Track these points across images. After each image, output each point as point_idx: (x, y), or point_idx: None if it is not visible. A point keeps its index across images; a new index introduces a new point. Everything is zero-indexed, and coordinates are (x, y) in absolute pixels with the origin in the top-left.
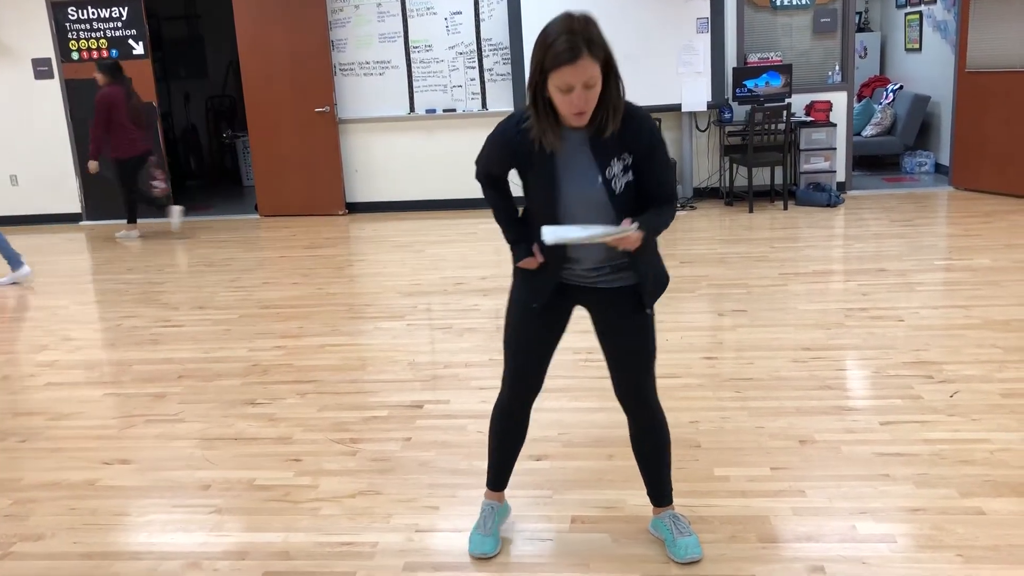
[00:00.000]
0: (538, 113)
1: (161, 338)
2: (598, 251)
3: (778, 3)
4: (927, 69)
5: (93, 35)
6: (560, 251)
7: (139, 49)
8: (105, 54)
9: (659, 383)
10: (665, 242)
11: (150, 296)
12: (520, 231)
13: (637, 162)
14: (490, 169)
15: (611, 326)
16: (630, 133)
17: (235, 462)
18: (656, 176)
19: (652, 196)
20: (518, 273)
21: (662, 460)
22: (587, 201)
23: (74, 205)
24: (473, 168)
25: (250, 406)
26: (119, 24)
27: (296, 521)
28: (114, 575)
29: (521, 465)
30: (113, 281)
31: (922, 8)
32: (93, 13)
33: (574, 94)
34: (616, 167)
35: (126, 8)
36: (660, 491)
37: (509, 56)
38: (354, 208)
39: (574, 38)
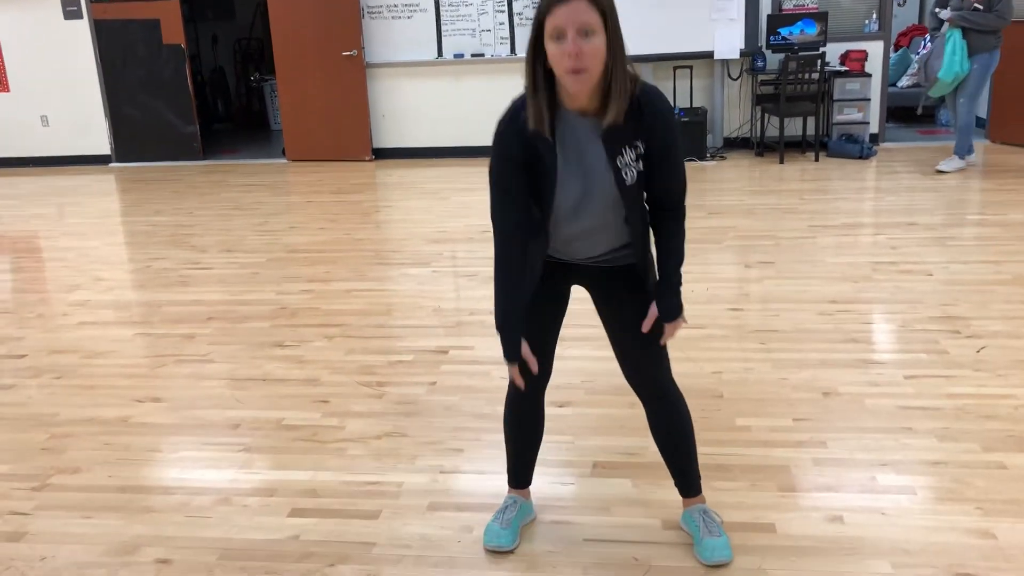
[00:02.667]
0: (535, 85)
1: (190, 280)
2: (592, 246)
3: None
4: None
5: None
6: (546, 247)
7: None
8: None
9: (684, 333)
10: (693, 193)
11: (179, 238)
12: (518, 318)
13: (648, 156)
14: (508, 186)
15: (614, 303)
16: (646, 122)
17: (264, 402)
18: (665, 179)
19: (655, 201)
20: None
21: (686, 448)
22: (594, 195)
23: (103, 147)
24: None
25: (278, 348)
26: None
27: (323, 461)
28: (147, 507)
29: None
30: (142, 223)
31: None
32: None
33: (568, 43)
34: (628, 156)
35: None
36: (687, 481)
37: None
38: (380, 154)
39: None
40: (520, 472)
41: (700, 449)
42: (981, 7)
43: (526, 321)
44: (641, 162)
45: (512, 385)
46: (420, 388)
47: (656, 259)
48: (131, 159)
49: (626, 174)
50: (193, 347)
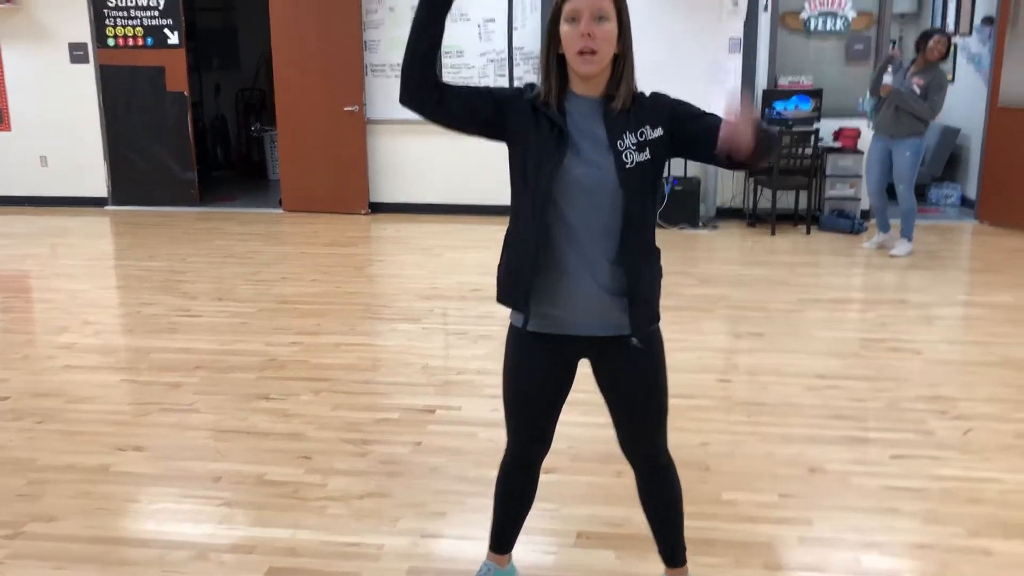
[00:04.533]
0: (548, 69)
1: (179, 327)
2: (586, 290)
3: (812, 27)
4: (959, 101)
5: (130, 23)
6: (528, 286)
7: (174, 39)
8: (141, 42)
9: (672, 403)
10: (685, 261)
11: (170, 284)
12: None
13: (676, 125)
14: (482, 91)
15: (614, 375)
16: (651, 109)
17: (246, 456)
18: (705, 119)
19: (710, 145)
20: (510, 330)
21: (675, 518)
22: (593, 176)
23: (101, 190)
24: (496, 181)
25: (264, 400)
26: (156, 13)
27: (304, 518)
28: (122, 560)
29: None
30: (135, 267)
31: (957, 39)
32: (131, 1)
33: (582, 24)
34: (629, 140)
35: None
36: (673, 552)
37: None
38: (377, 208)
39: None
40: (506, 537)
41: (685, 522)
42: (918, 91)
43: (525, 391)
44: (647, 151)
45: (508, 452)
46: (405, 448)
47: None
48: (128, 203)
49: (627, 156)
50: (178, 396)
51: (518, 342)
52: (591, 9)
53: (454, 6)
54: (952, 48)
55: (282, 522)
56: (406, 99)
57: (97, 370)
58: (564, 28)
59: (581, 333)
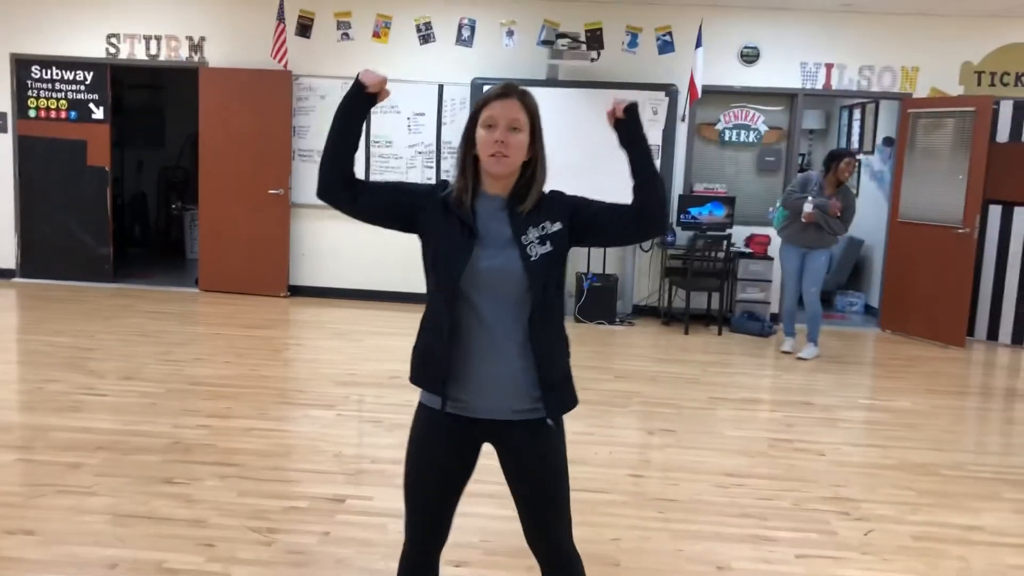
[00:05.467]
0: (464, 168)
1: (83, 406)
2: (495, 380)
3: (727, 138)
4: (863, 214)
5: (54, 95)
6: (445, 368)
7: (99, 114)
8: (64, 115)
9: (585, 497)
10: (600, 356)
11: (77, 361)
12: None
13: (575, 217)
14: (393, 185)
15: (520, 465)
16: (549, 205)
17: (146, 542)
18: (604, 205)
19: (622, 212)
20: (419, 410)
21: None
22: (500, 269)
23: (8, 261)
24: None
25: (167, 484)
26: (82, 87)
27: None
28: None
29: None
30: (40, 342)
31: (861, 157)
32: (57, 74)
33: (496, 132)
34: (533, 235)
35: (91, 73)
36: None
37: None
38: (296, 291)
39: (509, 85)
40: None
41: None
42: (839, 215)
43: (426, 476)
44: (549, 244)
45: (408, 543)
46: (312, 538)
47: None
48: (38, 275)
49: (530, 250)
50: (77, 477)
51: (427, 423)
52: (506, 119)
53: (385, 100)
54: (857, 165)
55: None
56: (322, 194)
57: None
58: (480, 132)
59: (491, 416)
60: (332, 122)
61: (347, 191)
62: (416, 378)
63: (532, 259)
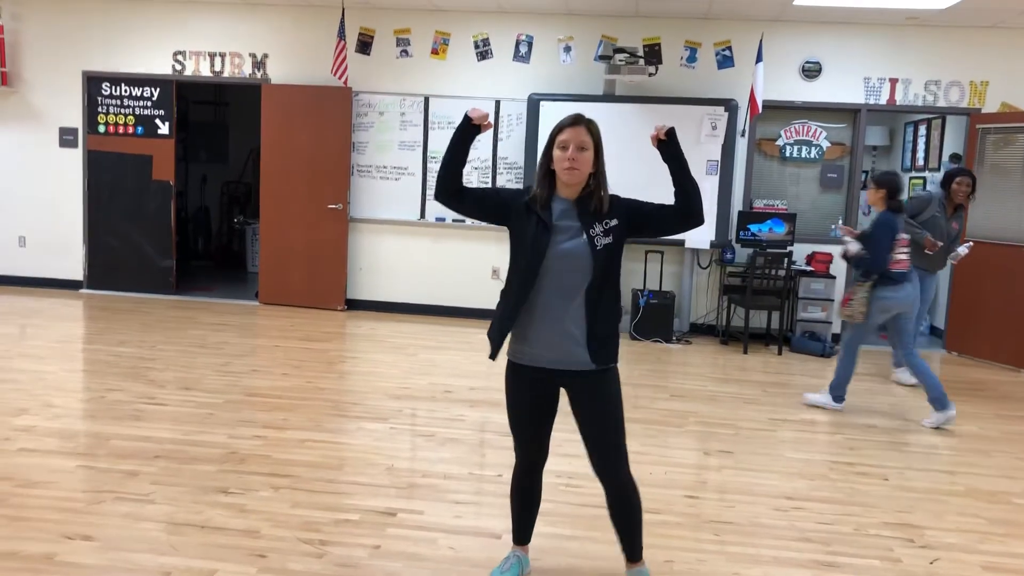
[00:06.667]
0: (543, 178)
1: (143, 415)
2: (562, 333)
3: (787, 154)
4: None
5: (122, 111)
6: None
7: (164, 129)
8: (131, 130)
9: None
10: (657, 374)
11: (138, 371)
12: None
13: (629, 215)
14: (490, 192)
15: (584, 408)
16: (611, 206)
17: (199, 551)
18: (655, 205)
19: (669, 210)
20: (508, 366)
21: (634, 523)
22: (571, 255)
23: (77, 272)
24: (490, 282)
25: (222, 494)
26: (149, 103)
27: None
28: None
29: None
30: (104, 352)
31: (926, 173)
32: (126, 91)
33: (569, 151)
34: (598, 229)
35: (158, 89)
36: (632, 549)
37: (523, 175)
38: (353, 305)
39: (578, 115)
40: (521, 530)
41: None
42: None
43: (522, 418)
44: (611, 236)
45: (518, 461)
46: (363, 551)
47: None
48: (104, 287)
49: (596, 241)
50: (135, 485)
51: (513, 374)
52: (576, 141)
53: (443, 116)
54: (974, 186)
55: None
56: (438, 197)
57: (53, 454)
58: (556, 152)
59: (559, 367)
60: (448, 145)
61: (456, 196)
62: (498, 338)
63: (597, 248)
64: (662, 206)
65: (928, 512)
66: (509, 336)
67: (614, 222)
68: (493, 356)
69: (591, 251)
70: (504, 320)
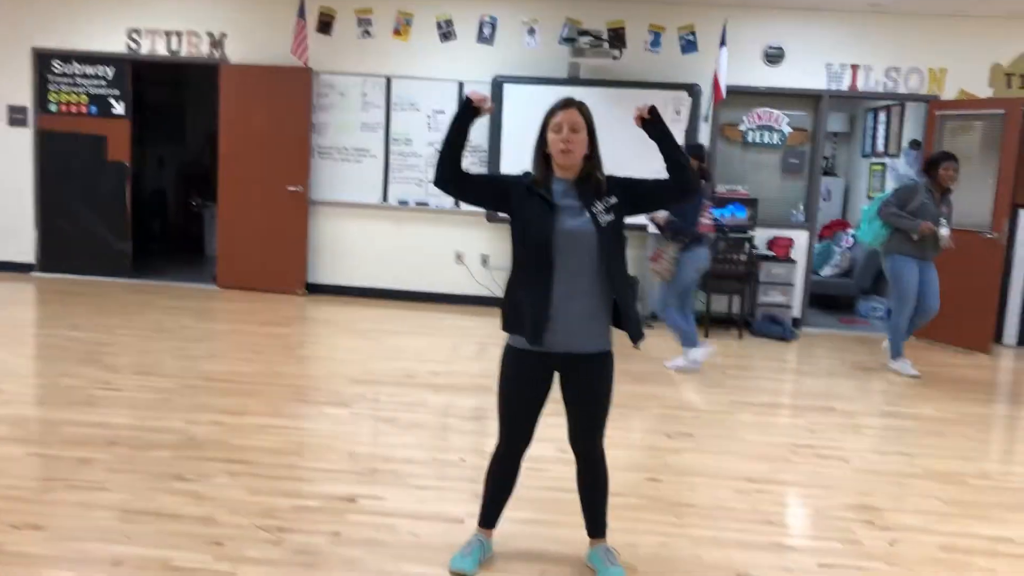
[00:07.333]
0: (538, 160)
1: (97, 400)
2: (575, 314)
3: (750, 139)
4: None
5: (75, 90)
6: (540, 311)
7: (119, 109)
8: (84, 109)
9: None
10: (618, 358)
11: (93, 356)
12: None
13: (627, 193)
14: (491, 178)
15: (582, 388)
16: (610, 184)
17: (153, 539)
18: (651, 181)
19: (664, 184)
20: (508, 351)
21: (601, 498)
22: (576, 233)
23: (28, 255)
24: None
25: (178, 481)
26: (103, 83)
27: None
28: None
29: (448, 574)
30: (57, 337)
31: (886, 159)
32: (79, 69)
33: (562, 133)
34: (599, 207)
35: (113, 68)
36: (596, 525)
37: (487, 159)
38: (314, 289)
39: (569, 98)
40: (491, 514)
41: None
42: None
43: (518, 398)
44: (613, 214)
45: (501, 444)
46: (323, 537)
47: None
48: (57, 270)
49: (600, 219)
50: (88, 472)
51: (516, 360)
52: (569, 123)
53: (405, 97)
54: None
55: None
56: (437, 182)
57: (2, 441)
58: (551, 135)
59: (567, 351)
60: (447, 131)
61: (456, 181)
62: (510, 326)
63: (602, 225)
64: (657, 182)
65: (887, 494)
66: (509, 318)
67: (613, 200)
68: (538, 342)
69: (596, 229)
70: (537, 308)
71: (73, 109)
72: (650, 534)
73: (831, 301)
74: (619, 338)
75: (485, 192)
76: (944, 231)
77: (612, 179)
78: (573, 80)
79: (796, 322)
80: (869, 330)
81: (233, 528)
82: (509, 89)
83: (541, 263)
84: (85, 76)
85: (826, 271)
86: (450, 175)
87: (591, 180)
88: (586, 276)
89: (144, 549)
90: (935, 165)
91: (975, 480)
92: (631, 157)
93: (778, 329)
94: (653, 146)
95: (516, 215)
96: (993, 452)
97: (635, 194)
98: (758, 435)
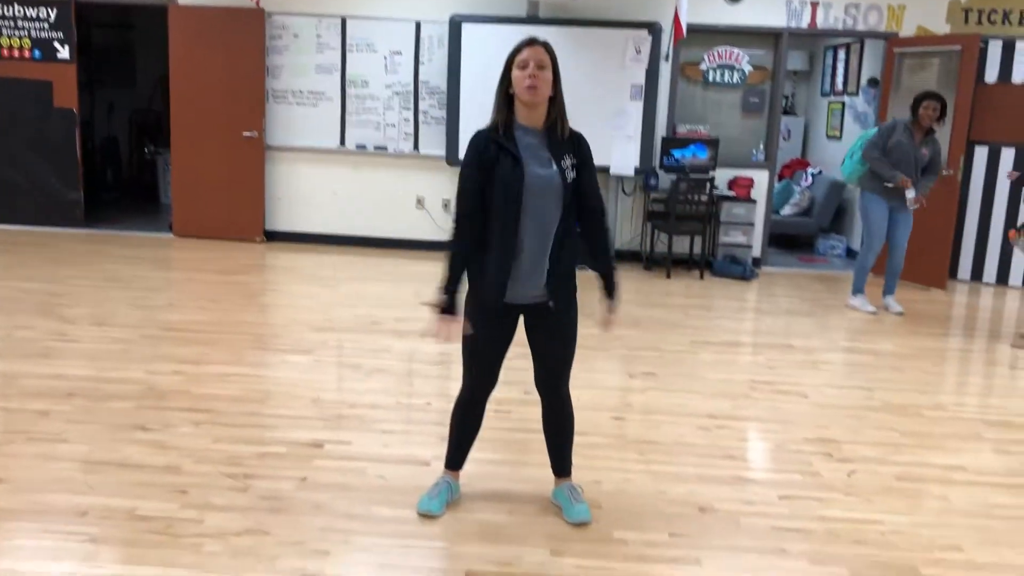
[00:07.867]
0: (500, 103)
1: (53, 352)
2: (538, 265)
3: (710, 78)
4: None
5: (16, 33)
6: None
7: (64, 53)
8: (28, 54)
9: None
10: (581, 300)
11: (48, 307)
12: (458, 287)
13: (578, 167)
14: (468, 187)
15: (548, 333)
16: (576, 144)
17: (117, 489)
18: (590, 183)
19: (585, 201)
20: (472, 294)
21: (567, 438)
22: (545, 186)
23: None
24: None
25: (140, 431)
26: (45, 25)
27: (176, 556)
28: None
29: (416, 516)
30: (9, 288)
31: (845, 98)
32: (19, 11)
33: (528, 69)
34: (567, 161)
35: (55, 10)
36: (562, 464)
37: (445, 100)
38: (272, 236)
39: (534, 36)
40: (457, 457)
41: (576, 560)
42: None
43: (483, 346)
44: (574, 171)
45: (466, 390)
46: (289, 483)
47: (595, 262)
48: (5, 221)
49: (566, 174)
50: (47, 424)
51: (484, 310)
52: (535, 60)
53: (361, 38)
54: (943, 109)
55: (152, 559)
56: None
57: None
58: (516, 72)
59: (533, 301)
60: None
61: (479, 224)
62: (481, 281)
63: (567, 180)
64: (589, 193)
65: (845, 427)
66: (467, 272)
67: (575, 160)
68: (500, 311)
69: (561, 180)
70: (503, 258)
71: (16, 54)
72: (614, 471)
73: (791, 240)
74: (583, 282)
75: (483, 193)
76: (911, 194)
77: (584, 143)
78: (533, 19)
79: (756, 261)
80: (828, 268)
81: (198, 476)
82: (468, 28)
83: (508, 214)
84: (27, 18)
85: (786, 210)
86: (478, 235)
87: (557, 131)
88: (551, 231)
89: (108, 499)
90: (917, 103)
91: (930, 412)
92: (589, 98)
93: (739, 269)
94: (611, 89)
95: (490, 175)
96: (948, 385)
97: (578, 178)
98: (719, 373)
